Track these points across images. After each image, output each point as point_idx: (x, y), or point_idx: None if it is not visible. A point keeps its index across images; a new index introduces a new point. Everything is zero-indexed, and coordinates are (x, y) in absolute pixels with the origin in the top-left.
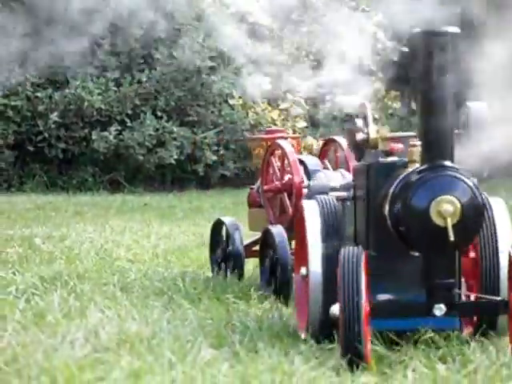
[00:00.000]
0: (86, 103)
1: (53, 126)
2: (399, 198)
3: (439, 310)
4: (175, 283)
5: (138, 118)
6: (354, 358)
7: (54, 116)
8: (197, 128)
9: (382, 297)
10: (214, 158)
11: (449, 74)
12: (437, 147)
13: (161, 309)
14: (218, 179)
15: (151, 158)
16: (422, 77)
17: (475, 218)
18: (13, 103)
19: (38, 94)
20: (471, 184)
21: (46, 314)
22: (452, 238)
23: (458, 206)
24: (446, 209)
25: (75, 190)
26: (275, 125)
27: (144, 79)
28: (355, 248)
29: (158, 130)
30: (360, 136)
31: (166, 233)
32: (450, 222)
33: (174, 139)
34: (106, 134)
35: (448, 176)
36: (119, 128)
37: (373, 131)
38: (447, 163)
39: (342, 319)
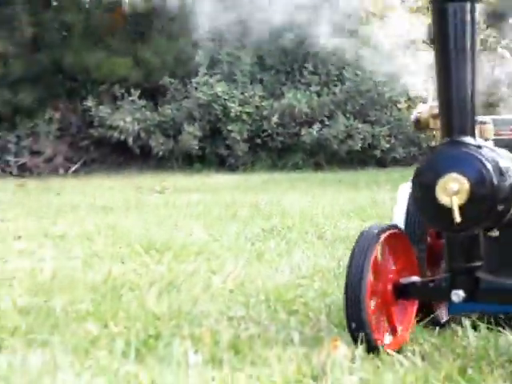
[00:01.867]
0: (296, 109)
1: (274, 125)
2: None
3: (457, 296)
4: (355, 231)
5: (333, 118)
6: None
7: (275, 118)
8: (374, 125)
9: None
10: (387, 145)
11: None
12: (455, 120)
13: (344, 250)
14: (391, 160)
15: (343, 147)
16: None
17: (487, 198)
18: (246, 110)
19: (263, 103)
20: (487, 162)
21: (264, 254)
22: (458, 220)
23: (466, 184)
24: (451, 187)
25: (289, 170)
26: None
27: (337, 91)
28: (377, 226)
29: (347, 126)
30: (413, 116)
31: (350, 197)
32: (455, 202)
33: (359, 133)
34: (311, 130)
35: (461, 152)
36: (320, 126)
37: (425, 109)
38: (466, 139)
39: (345, 300)
